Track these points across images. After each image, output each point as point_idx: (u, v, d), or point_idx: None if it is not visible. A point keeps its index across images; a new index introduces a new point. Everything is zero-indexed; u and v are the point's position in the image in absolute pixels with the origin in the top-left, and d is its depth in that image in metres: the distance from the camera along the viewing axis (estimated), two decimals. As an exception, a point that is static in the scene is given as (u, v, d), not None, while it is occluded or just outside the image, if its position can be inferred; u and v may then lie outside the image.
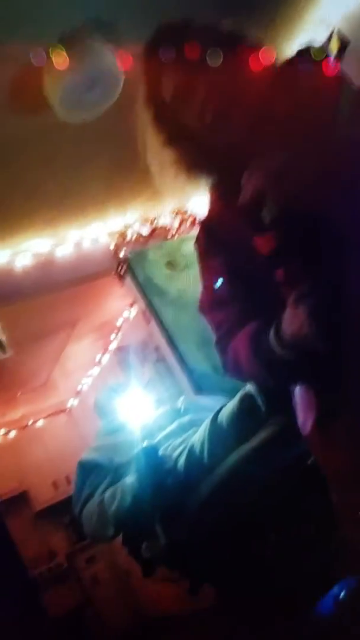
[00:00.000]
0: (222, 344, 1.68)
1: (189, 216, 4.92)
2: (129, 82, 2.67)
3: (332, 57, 3.04)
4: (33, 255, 4.28)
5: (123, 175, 3.70)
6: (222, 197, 1.70)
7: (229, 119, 1.59)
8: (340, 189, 1.38)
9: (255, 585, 2.93)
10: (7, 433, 8.75)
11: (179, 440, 3.19)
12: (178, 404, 3.72)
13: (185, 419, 3.44)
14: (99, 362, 7.49)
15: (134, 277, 4.65)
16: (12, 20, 2.40)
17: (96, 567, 8.06)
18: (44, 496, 8.58)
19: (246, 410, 2.76)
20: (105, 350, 7.23)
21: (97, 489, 3.32)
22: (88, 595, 7.86)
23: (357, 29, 3.30)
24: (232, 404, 2.85)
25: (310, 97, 1.57)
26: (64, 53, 2.61)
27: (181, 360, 4.43)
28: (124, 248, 4.69)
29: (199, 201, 4.66)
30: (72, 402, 8.97)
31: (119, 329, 6.76)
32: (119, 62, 2.75)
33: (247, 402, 2.76)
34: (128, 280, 4.71)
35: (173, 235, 4.89)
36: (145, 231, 4.79)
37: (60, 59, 2.62)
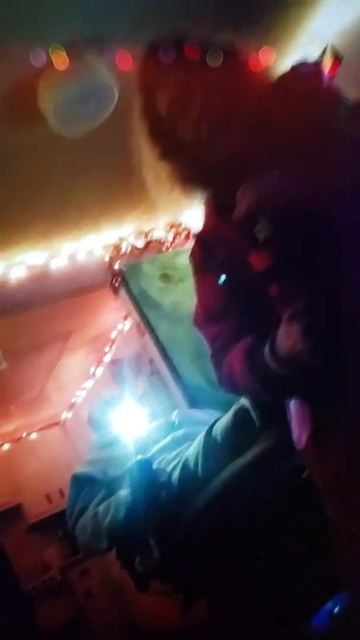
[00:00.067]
0: (217, 357, 1.68)
1: (184, 229, 4.93)
2: (124, 95, 2.67)
3: (326, 72, 3.06)
4: (27, 268, 4.29)
5: (118, 188, 3.71)
6: (217, 211, 1.70)
7: (224, 133, 1.59)
8: (337, 204, 1.39)
9: (249, 600, 2.92)
10: (0, 446, 8.71)
11: (173, 454, 3.18)
12: (172, 417, 3.71)
13: (180, 432, 3.43)
14: (93, 374, 7.47)
15: (129, 290, 4.65)
16: (12, 20, 2.39)
17: (90, 580, 8.01)
18: (37, 509, 8.54)
19: (240, 424, 2.76)
20: (99, 363, 7.22)
21: (91, 502, 3.31)
22: (82, 608, 7.81)
23: (350, 44, 3.32)
24: (226, 418, 2.85)
25: (307, 110, 1.57)
26: (64, 53, 2.61)
27: (175, 373, 4.43)
28: (119, 261, 4.70)
29: (194, 214, 4.67)
30: (66, 415, 8.94)
31: (113, 341, 6.75)
32: (115, 73, 2.76)
33: (241, 416, 2.75)
34: (122, 292, 4.71)
35: (168, 248, 4.90)
36: (139, 244, 4.80)
37: (60, 60, 2.62)
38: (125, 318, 5.95)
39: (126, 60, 2.67)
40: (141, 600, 5.84)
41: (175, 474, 2.99)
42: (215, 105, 1.59)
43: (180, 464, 3.00)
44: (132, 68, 2.56)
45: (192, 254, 1.80)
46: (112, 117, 2.89)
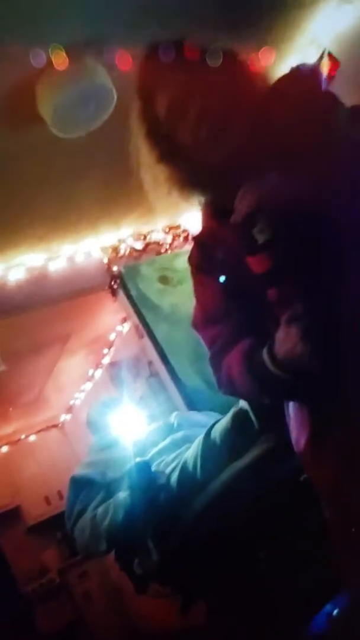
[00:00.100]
0: (216, 360, 1.67)
1: (183, 231, 4.93)
2: (124, 97, 2.67)
3: (324, 75, 3.05)
4: (26, 269, 4.28)
5: (117, 190, 3.70)
6: (215, 214, 1.70)
7: (223, 135, 1.59)
8: (337, 205, 1.39)
9: (248, 602, 2.92)
10: (-1, 448, 8.73)
11: (172, 456, 3.18)
12: (171, 419, 3.71)
13: (178, 434, 3.43)
14: (92, 377, 7.46)
15: (127, 292, 4.65)
16: (12, 20, 2.39)
17: (89, 583, 8.00)
18: (36, 511, 8.54)
19: (239, 426, 2.76)
20: (98, 365, 7.21)
21: (90, 505, 3.31)
22: (80, 611, 7.80)
23: (347, 50, 3.32)
24: (225, 420, 2.85)
25: (306, 111, 1.57)
26: (64, 54, 2.60)
27: (174, 375, 4.42)
28: (117, 263, 4.70)
29: (192, 217, 4.67)
30: (65, 417, 8.94)
31: (111, 343, 6.75)
32: (114, 74, 2.76)
33: (240, 419, 2.75)
34: (121, 294, 4.70)
35: (166, 250, 4.89)
36: (138, 246, 4.80)
37: (60, 60, 2.62)
38: (124, 320, 5.95)
39: (126, 61, 2.67)
40: (140, 602, 5.83)
41: (174, 476, 2.99)
42: (213, 107, 1.59)
43: (179, 466, 3.00)
44: (131, 69, 2.56)
45: (191, 257, 1.80)
46: (111, 119, 2.89)
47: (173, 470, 3.03)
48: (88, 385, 7.69)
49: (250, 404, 2.66)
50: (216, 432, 2.87)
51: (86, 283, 4.63)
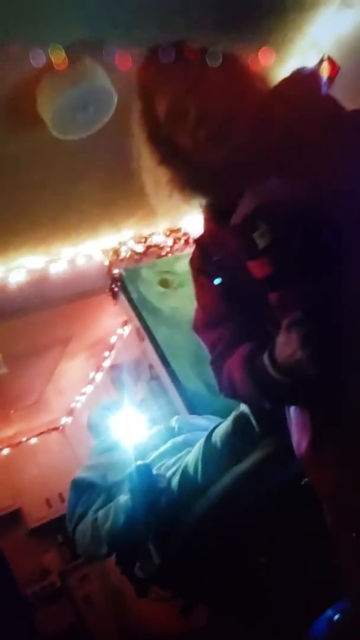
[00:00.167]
0: (217, 363, 1.67)
1: (184, 234, 4.93)
2: (124, 99, 2.67)
3: (324, 78, 3.06)
4: (27, 272, 4.28)
5: (117, 192, 3.70)
6: (216, 217, 1.70)
7: (223, 138, 1.58)
8: (337, 208, 1.38)
9: (249, 606, 2.91)
10: (0, 450, 8.71)
11: (173, 459, 3.17)
12: (172, 423, 3.71)
13: (179, 438, 3.43)
14: (93, 379, 7.46)
15: (128, 295, 4.64)
16: (11, 20, 2.39)
17: (89, 586, 8.00)
18: (37, 514, 8.54)
19: (240, 430, 2.75)
20: (99, 368, 7.21)
21: (91, 508, 3.30)
22: (81, 614, 7.79)
23: (347, 54, 3.32)
24: (226, 424, 2.84)
25: (306, 114, 1.57)
26: (64, 54, 2.60)
27: (174, 378, 4.42)
28: (118, 265, 4.69)
29: (193, 220, 4.66)
30: (66, 420, 8.94)
31: (112, 346, 6.74)
32: (114, 75, 2.75)
33: (241, 422, 2.75)
34: (122, 297, 4.70)
35: (167, 253, 4.89)
36: (139, 249, 4.79)
37: (59, 61, 2.61)
38: (125, 323, 5.95)
39: (126, 62, 2.66)
40: (141, 605, 5.81)
41: (175, 480, 2.99)
42: (214, 109, 1.60)
43: (180, 470, 3.00)
44: (131, 71, 2.56)
45: (192, 260, 1.80)
46: (111, 121, 2.89)
47: (174, 473, 3.03)
48: (89, 388, 7.69)
49: (251, 407, 2.65)
50: (217, 436, 2.86)
51: (87, 286, 4.62)
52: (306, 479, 1.69)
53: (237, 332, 1.64)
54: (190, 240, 4.83)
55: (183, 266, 4.46)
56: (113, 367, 6.80)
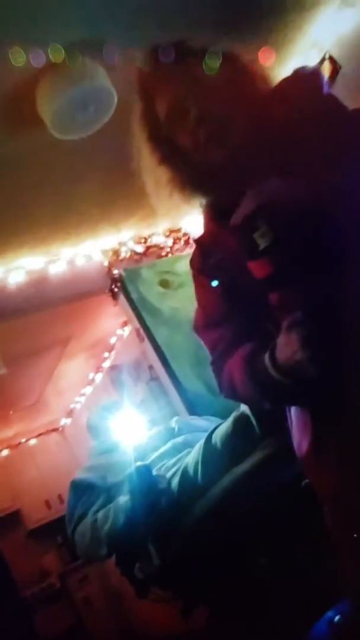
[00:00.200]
0: (217, 364, 1.67)
1: (184, 235, 4.92)
2: (124, 99, 2.66)
3: (325, 77, 3.06)
4: (26, 272, 4.28)
5: (117, 192, 3.70)
6: (217, 217, 1.70)
7: (223, 138, 1.58)
8: (338, 207, 1.38)
9: (250, 607, 2.90)
10: (-1, 451, 8.73)
11: (173, 460, 3.17)
12: (172, 424, 3.70)
13: (179, 439, 3.42)
14: (92, 380, 7.46)
15: (128, 295, 4.64)
16: (11, 20, 2.38)
17: (89, 587, 7.98)
18: (36, 515, 8.53)
19: (241, 431, 2.75)
20: (99, 368, 7.21)
21: (90, 509, 3.29)
22: (80, 616, 7.78)
23: (349, 53, 3.32)
24: (226, 425, 2.84)
25: (306, 113, 1.57)
26: (64, 54, 2.60)
27: (174, 379, 4.41)
28: (118, 266, 4.69)
29: (193, 220, 4.65)
30: (65, 420, 8.93)
31: (112, 347, 6.74)
32: (114, 75, 2.75)
33: (241, 423, 2.74)
34: (121, 298, 4.69)
35: (167, 254, 4.88)
36: (139, 249, 4.79)
37: (59, 61, 2.61)
38: (125, 324, 5.94)
39: (126, 62, 2.66)
40: (141, 607, 5.81)
41: (175, 481, 2.98)
42: (214, 109, 1.59)
43: (180, 471, 2.99)
44: (131, 71, 2.56)
45: (192, 260, 1.79)
46: (111, 121, 2.88)
47: (174, 474, 3.02)
48: (88, 389, 7.70)
49: (251, 408, 2.64)
50: (217, 437, 2.86)
51: (86, 286, 4.62)
52: (306, 480, 1.69)
53: (237, 333, 1.63)
54: (191, 241, 4.83)
55: (183, 266, 4.46)
56: (113, 367, 6.79)
